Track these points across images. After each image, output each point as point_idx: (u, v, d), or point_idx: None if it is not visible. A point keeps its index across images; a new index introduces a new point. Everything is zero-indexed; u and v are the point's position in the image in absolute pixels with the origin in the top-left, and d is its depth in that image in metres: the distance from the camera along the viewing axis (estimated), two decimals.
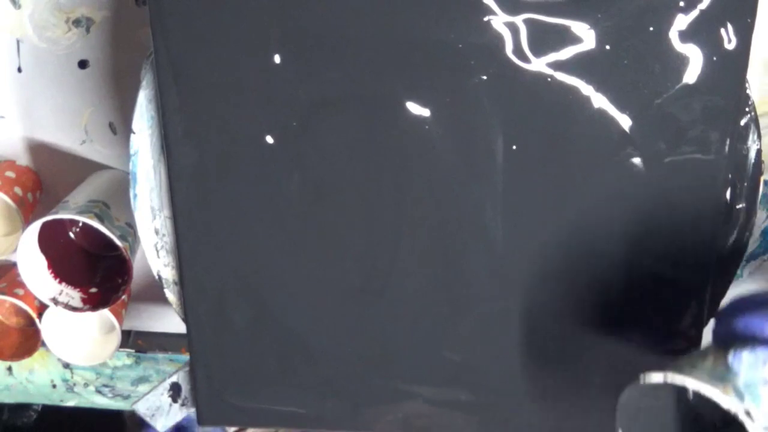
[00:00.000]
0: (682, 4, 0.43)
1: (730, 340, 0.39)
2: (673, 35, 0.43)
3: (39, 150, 0.69)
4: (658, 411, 0.40)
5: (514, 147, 0.46)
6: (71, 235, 0.70)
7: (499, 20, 0.44)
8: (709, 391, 0.37)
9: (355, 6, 0.44)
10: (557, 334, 0.51)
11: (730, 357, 0.38)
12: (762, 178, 0.49)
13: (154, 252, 0.53)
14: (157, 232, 0.52)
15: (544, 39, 0.44)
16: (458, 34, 0.44)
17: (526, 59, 0.44)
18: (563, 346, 0.52)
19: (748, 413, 0.37)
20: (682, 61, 0.44)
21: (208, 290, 0.52)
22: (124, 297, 0.68)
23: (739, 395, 0.37)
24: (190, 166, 0.48)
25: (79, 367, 0.85)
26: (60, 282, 0.65)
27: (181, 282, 0.52)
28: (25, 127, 0.68)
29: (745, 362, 0.37)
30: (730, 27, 0.43)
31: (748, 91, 0.46)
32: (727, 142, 0.46)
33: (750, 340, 0.38)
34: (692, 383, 0.38)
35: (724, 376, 0.38)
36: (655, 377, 0.39)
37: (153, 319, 0.79)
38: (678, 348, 0.50)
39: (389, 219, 0.49)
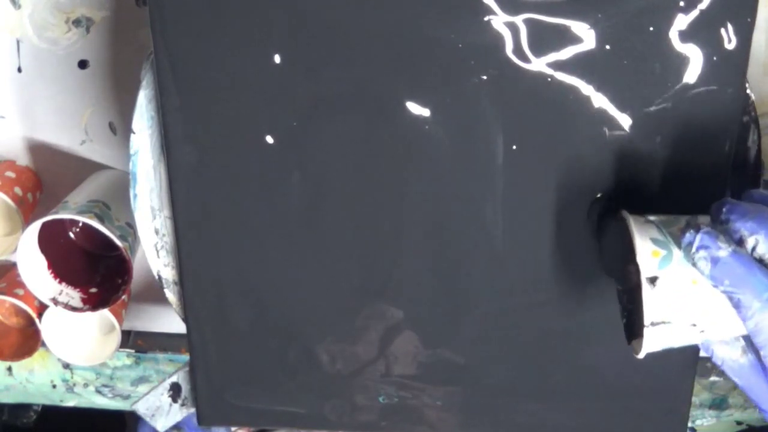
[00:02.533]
0: (682, 4, 0.43)
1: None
2: (674, 35, 0.43)
3: (39, 150, 0.69)
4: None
5: (514, 147, 0.46)
6: (71, 235, 0.70)
7: (499, 20, 0.44)
8: (638, 245, 0.39)
9: (355, 6, 0.44)
10: (558, 333, 0.51)
11: (684, 231, 0.38)
12: (762, 178, 0.49)
13: (154, 252, 0.53)
14: (157, 232, 0.52)
15: (545, 39, 0.44)
16: (458, 34, 0.44)
17: (526, 59, 0.44)
18: (563, 346, 0.52)
19: (653, 279, 0.38)
20: (682, 61, 0.44)
21: (208, 290, 0.52)
22: (124, 297, 0.68)
23: (663, 264, 0.38)
24: (190, 166, 0.48)
25: (79, 367, 0.85)
26: (60, 282, 0.65)
27: (181, 282, 0.52)
28: (25, 127, 0.68)
29: (686, 240, 0.38)
30: (730, 27, 0.43)
31: (748, 91, 0.46)
32: (727, 141, 0.46)
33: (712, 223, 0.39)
34: (634, 232, 0.39)
35: (667, 243, 0.39)
36: (624, 213, 0.42)
37: (153, 319, 0.79)
38: None
39: (389, 219, 0.49)
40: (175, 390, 0.56)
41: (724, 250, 0.36)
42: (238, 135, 0.48)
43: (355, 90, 0.46)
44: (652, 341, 0.39)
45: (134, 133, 0.50)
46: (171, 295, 0.54)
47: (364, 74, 0.46)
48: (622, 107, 0.45)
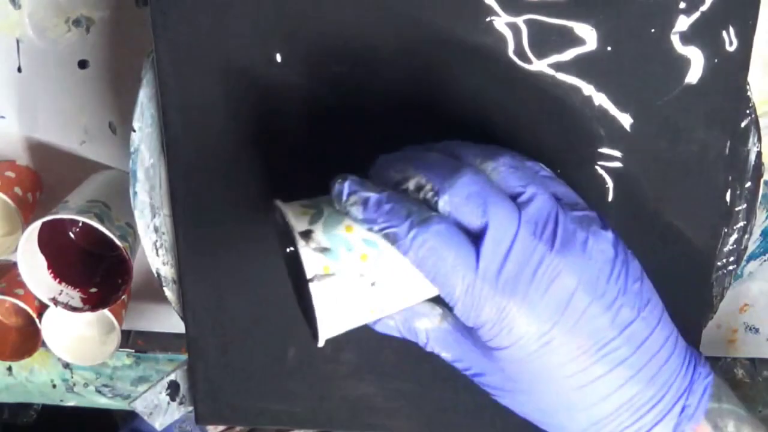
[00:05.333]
0: (683, 5, 0.43)
1: None
2: (675, 37, 0.43)
3: (39, 150, 0.70)
4: None
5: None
6: (71, 235, 0.70)
7: (501, 21, 0.44)
8: (286, 209, 0.37)
9: (356, 6, 0.44)
10: None
11: (332, 184, 0.37)
12: (762, 180, 0.49)
13: (153, 250, 0.53)
14: (156, 230, 0.52)
15: (546, 40, 0.44)
16: (460, 34, 0.44)
17: (527, 60, 0.44)
18: None
19: (306, 233, 0.36)
20: (683, 63, 0.44)
21: (206, 288, 0.52)
22: (124, 297, 0.68)
23: (315, 219, 0.37)
24: (189, 165, 0.48)
25: (79, 367, 0.85)
26: (60, 282, 0.65)
27: (180, 280, 0.52)
28: (25, 127, 0.68)
29: (336, 191, 0.36)
30: (731, 29, 0.43)
31: (748, 93, 0.46)
32: (728, 143, 0.45)
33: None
34: (280, 205, 0.38)
35: (318, 203, 0.38)
36: (275, 201, 0.39)
37: (153, 319, 0.79)
38: None
39: None
40: (173, 388, 0.56)
41: (374, 192, 0.35)
42: (239, 133, 0.48)
43: (356, 90, 0.46)
44: (321, 299, 0.36)
45: (134, 130, 0.50)
46: (170, 293, 0.54)
47: (364, 74, 0.46)
48: (623, 108, 0.45)
